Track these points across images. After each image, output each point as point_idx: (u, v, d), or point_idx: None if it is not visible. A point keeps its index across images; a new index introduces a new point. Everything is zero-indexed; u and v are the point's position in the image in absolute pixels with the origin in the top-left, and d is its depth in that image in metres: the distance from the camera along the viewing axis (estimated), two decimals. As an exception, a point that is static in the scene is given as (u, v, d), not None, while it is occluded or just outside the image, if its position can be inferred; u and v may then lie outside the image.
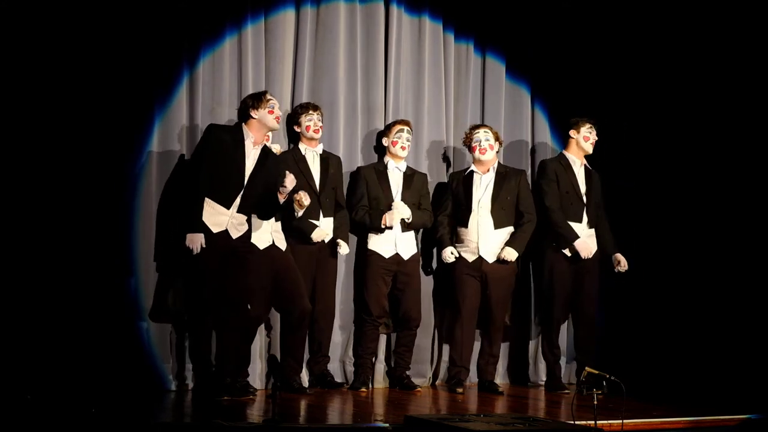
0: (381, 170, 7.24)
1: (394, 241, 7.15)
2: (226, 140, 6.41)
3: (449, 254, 7.23)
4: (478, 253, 7.21)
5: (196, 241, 6.28)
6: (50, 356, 6.35)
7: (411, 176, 7.28)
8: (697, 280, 7.54)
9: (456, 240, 7.30)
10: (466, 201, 7.25)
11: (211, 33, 7.00)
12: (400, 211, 7.10)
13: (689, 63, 7.71)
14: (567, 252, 7.32)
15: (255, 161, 6.46)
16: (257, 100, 6.50)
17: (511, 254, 7.21)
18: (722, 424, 6.10)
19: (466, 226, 7.23)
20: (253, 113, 6.47)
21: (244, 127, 6.48)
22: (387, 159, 7.27)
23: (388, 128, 7.29)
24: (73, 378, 6.33)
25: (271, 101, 6.51)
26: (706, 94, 7.60)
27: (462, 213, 7.26)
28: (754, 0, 7.33)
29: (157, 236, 6.72)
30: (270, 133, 6.76)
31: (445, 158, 7.76)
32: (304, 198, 6.60)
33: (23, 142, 6.42)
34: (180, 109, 6.87)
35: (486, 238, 7.22)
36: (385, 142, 7.28)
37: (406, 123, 7.28)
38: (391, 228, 7.12)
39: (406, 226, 7.17)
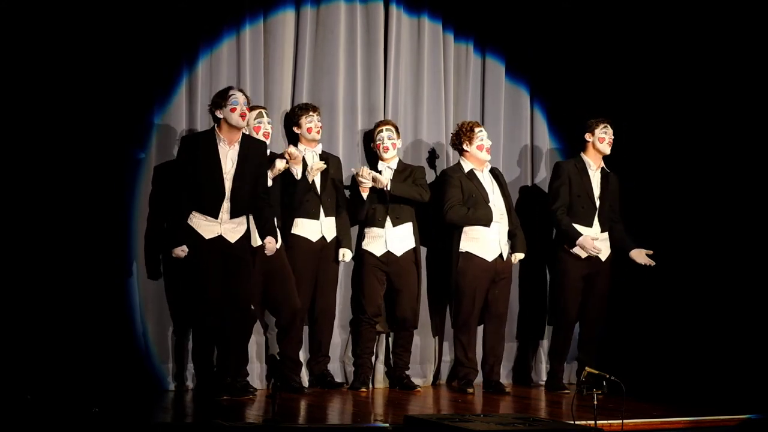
0: (376, 171, 7.21)
1: (384, 240, 7.12)
2: (199, 149, 6.31)
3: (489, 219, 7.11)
4: (500, 250, 7.19)
5: (179, 253, 6.30)
6: (50, 356, 6.35)
7: (402, 171, 7.22)
8: (697, 280, 7.54)
9: (468, 239, 7.20)
10: (483, 199, 7.17)
11: (211, 33, 7.00)
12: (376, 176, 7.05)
13: (689, 62, 7.71)
14: (581, 253, 7.31)
15: (234, 163, 6.33)
16: (220, 98, 6.33)
17: (522, 256, 7.31)
18: (722, 424, 6.10)
19: (487, 225, 7.16)
20: (218, 113, 6.33)
21: (216, 131, 6.34)
22: (379, 160, 7.25)
23: (372, 131, 7.28)
24: (73, 378, 6.33)
25: (232, 97, 6.31)
26: (707, 94, 7.59)
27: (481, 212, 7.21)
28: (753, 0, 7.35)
29: (156, 239, 6.73)
30: (269, 128, 6.75)
31: (436, 156, 7.74)
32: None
33: (22, 143, 6.41)
34: (179, 110, 6.87)
35: (504, 237, 7.22)
36: (372, 146, 7.26)
37: (386, 123, 7.25)
38: (366, 183, 7.00)
39: (392, 216, 7.13)
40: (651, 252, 7.37)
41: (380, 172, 7.14)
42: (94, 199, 6.55)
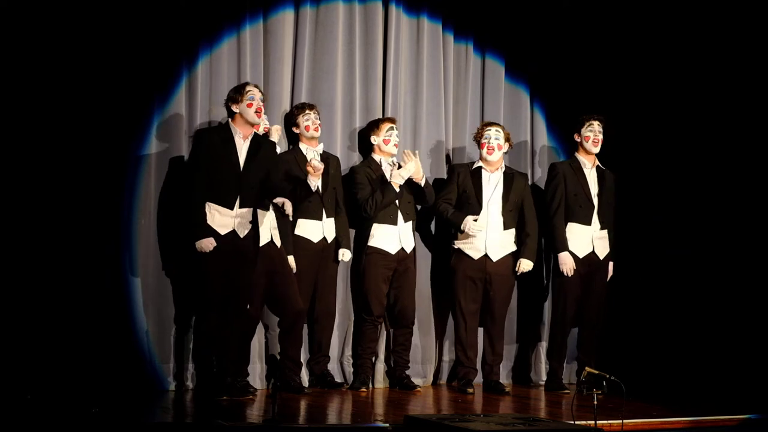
0: (375, 169, 7.18)
1: (399, 236, 7.12)
2: (216, 142, 6.35)
3: (472, 222, 7.13)
4: (485, 251, 7.20)
5: (207, 245, 6.25)
6: (50, 356, 6.35)
7: (400, 167, 7.18)
8: (697, 280, 7.54)
9: (459, 236, 7.26)
10: (476, 197, 7.21)
11: (210, 33, 6.99)
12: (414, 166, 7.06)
13: (688, 62, 7.71)
14: (578, 254, 7.32)
15: (246, 156, 6.38)
16: (237, 93, 6.40)
17: (529, 266, 7.27)
18: (722, 424, 6.10)
19: (458, 230, 7.20)
20: (234, 108, 6.39)
21: (231, 124, 6.41)
22: (378, 157, 7.21)
23: (376, 126, 7.23)
24: (73, 378, 6.33)
25: (249, 93, 6.38)
26: (707, 95, 7.59)
27: (470, 209, 7.21)
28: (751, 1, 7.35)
29: (159, 239, 6.74)
30: (267, 123, 6.75)
31: (447, 158, 7.77)
32: (313, 161, 6.61)
33: (20, 143, 6.41)
34: (179, 110, 6.86)
35: (494, 237, 7.22)
36: (374, 140, 7.21)
37: (393, 120, 7.25)
38: (399, 185, 7.05)
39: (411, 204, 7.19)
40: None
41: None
42: (94, 198, 6.55)
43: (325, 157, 7.07)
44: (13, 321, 6.30)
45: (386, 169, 7.18)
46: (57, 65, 6.48)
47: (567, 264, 7.29)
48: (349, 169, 7.34)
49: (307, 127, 6.98)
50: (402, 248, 7.13)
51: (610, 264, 7.45)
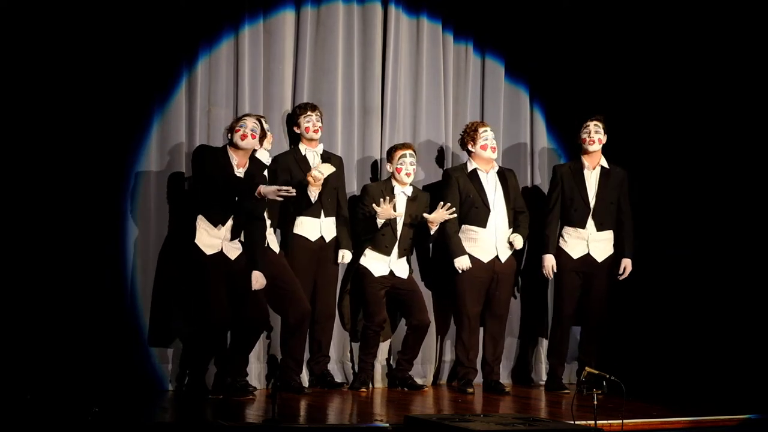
0: (387, 194, 7.08)
1: (389, 265, 7.12)
2: (216, 161, 6.33)
3: (466, 264, 7.16)
4: (496, 252, 7.20)
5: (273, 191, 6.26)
6: (50, 356, 6.35)
7: (414, 199, 7.18)
8: (697, 280, 7.54)
9: (465, 239, 7.21)
10: (482, 200, 7.20)
11: (210, 34, 6.99)
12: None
13: (689, 62, 7.71)
14: (573, 255, 7.33)
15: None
16: (235, 122, 6.44)
17: (520, 241, 7.26)
18: (722, 424, 6.10)
19: (484, 226, 7.18)
20: (230, 136, 6.41)
21: (229, 151, 6.40)
22: (393, 183, 7.15)
23: (390, 154, 7.17)
24: (73, 378, 6.33)
25: (242, 122, 6.39)
26: (707, 94, 7.59)
27: (478, 213, 7.19)
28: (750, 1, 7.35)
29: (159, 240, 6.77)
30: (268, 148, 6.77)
31: (443, 159, 7.76)
32: (314, 172, 6.65)
33: (19, 145, 6.41)
34: (179, 110, 6.87)
35: (503, 238, 7.23)
36: (389, 168, 7.16)
37: (408, 147, 7.17)
38: (388, 221, 7.02)
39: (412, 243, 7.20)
40: (624, 273, 7.39)
41: (393, 198, 7.05)
42: (94, 198, 6.56)
43: (327, 156, 7.06)
44: (13, 321, 6.31)
45: (399, 199, 7.10)
46: (57, 65, 6.48)
47: (546, 267, 7.33)
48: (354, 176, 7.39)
49: (306, 129, 6.98)
50: (392, 271, 7.11)
51: (626, 261, 7.39)
